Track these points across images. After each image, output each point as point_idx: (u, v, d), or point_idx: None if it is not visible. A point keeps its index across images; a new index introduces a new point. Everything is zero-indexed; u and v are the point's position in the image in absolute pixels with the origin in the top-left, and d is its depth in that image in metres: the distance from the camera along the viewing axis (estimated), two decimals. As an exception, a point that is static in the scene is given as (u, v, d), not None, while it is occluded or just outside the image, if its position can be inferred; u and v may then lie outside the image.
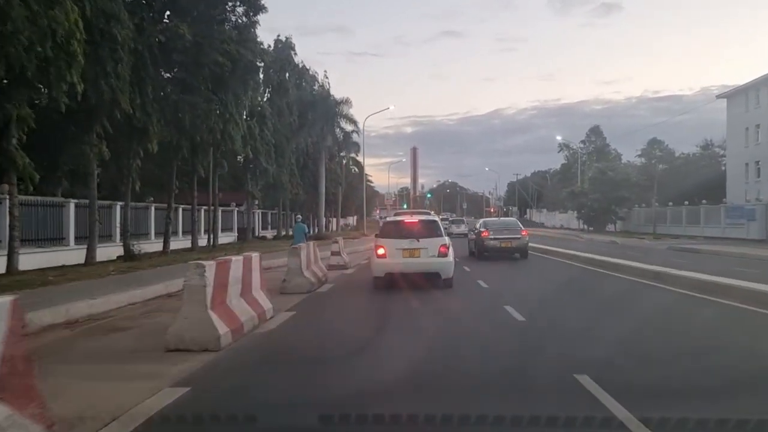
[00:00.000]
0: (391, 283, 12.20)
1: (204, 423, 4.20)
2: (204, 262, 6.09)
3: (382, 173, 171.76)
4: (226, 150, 25.99)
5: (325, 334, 7.75)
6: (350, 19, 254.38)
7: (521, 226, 23.32)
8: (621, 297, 11.27)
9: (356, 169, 63.06)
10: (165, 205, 22.71)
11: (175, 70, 19.68)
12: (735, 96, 48.09)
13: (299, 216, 20.02)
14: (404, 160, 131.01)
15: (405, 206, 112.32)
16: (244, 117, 26.92)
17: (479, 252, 21.79)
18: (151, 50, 18.00)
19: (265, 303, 8.22)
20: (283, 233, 42.89)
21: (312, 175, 44.54)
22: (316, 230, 42.10)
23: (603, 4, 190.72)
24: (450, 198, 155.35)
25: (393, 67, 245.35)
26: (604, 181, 52.63)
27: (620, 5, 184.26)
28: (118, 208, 20.57)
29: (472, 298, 11.50)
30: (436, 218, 13.96)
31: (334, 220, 57.38)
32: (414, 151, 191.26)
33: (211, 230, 27.37)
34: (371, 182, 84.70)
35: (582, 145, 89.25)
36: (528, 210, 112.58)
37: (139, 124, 17.89)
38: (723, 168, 54.61)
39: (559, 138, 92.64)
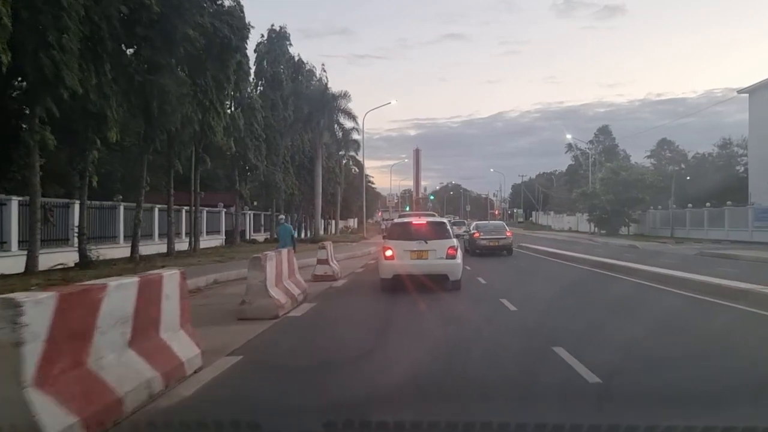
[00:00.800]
0: (393, 293, 11.64)
1: None
2: (27, 298, 3.18)
3: (385, 176, 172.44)
4: (210, 144, 23.26)
5: (277, 407, 4.52)
6: (354, 21, 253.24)
7: (507, 228, 27.19)
8: (718, 328, 8.19)
9: (356, 169, 60.36)
10: (150, 206, 20.09)
11: (140, 46, 16.95)
12: (758, 91, 45.18)
13: (282, 215, 17.32)
14: (407, 160, 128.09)
15: (407, 208, 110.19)
16: (230, 107, 24.21)
17: (472, 250, 24.70)
18: (110, 22, 15.29)
19: (185, 348, 5.22)
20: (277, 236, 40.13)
21: (309, 175, 41.84)
22: (312, 233, 39.35)
23: (606, 6, 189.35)
24: (453, 200, 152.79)
25: (396, 70, 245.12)
26: (617, 181, 49.78)
27: (623, 8, 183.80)
28: (76, 207, 17.84)
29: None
30: (444, 220, 13.75)
31: (334, 222, 54.65)
32: (416, 152, 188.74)
33: (192, 233, 24.64)
34: (372, 183, 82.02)
35: (590, 146, 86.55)
36: (533, 212, 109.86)
37: (95, 108, 15.19)
38: (742, 168, 51.86)
39: (569, 137, 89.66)
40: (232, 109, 29.41)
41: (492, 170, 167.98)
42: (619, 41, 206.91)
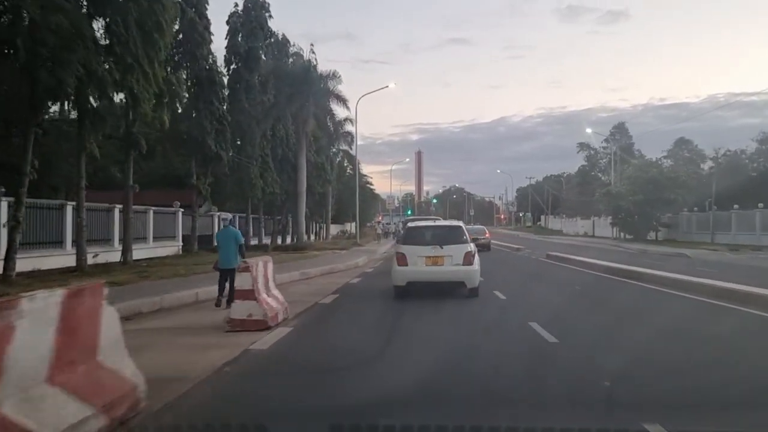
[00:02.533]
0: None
1: None
2: None
3: (387, 180, 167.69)
4: (143, 117, 17.41)
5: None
6: (358, 27, 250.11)
7: (486, 230, 35.62)
8: None
9: (351, 170, 54.49)
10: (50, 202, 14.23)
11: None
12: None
13: (228, 216, 11.64)
14: (408, 159, 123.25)
15: (410, 212, 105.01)
16: (170, 72, 18.38)
17: None
18: None
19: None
20: (255, 242, 34.27)
21: (294, 171, 35.93)
22: (295, 239, 33.40)
23: (609, 12, 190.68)
24: (457, 204, 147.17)
25: (400, 75, 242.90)
26: (646, 179, 43.82)
27: (627, 13, 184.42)
28: None
29: None
30: (461, 223, 12.99)
31: (325, 225, 48.67)
32: (418, 155, 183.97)
33: (129, 239, 18.81)
34: (371, 185, 76.01)
35: (606, 144, 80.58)
36: (542, 216, 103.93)
37: None
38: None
39: (588, 131, 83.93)
40: (191, 85, 23.65)
41: (498, 171, 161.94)
42: (623, 46, 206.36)
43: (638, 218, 44.69)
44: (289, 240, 38.05)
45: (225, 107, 24.73)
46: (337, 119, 42.70)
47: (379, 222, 68.28)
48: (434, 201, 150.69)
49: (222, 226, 12.12)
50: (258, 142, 31.26)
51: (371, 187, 76.11)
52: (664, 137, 74.13)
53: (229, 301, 11.16)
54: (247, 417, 4.39)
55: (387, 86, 35.29)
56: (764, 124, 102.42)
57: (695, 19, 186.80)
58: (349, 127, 40.93)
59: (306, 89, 30.61)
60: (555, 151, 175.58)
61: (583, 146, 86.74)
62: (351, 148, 40.76)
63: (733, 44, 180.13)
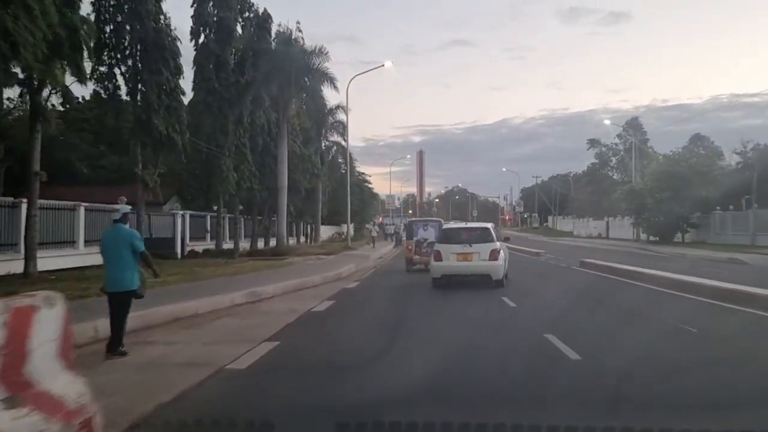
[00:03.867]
0: None
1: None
2: None
3: (389, 182, 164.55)
4: (42, 75, 12.77)
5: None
6: (360, 28, 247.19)
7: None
8: None
9: (344, 166, 49.73)
10: None
11: None
12: None
13: (121, 208, 7.51)
14: (408, 156, 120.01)
15: (410, 213, 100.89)
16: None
17: None
18: None
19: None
20: (244, 244, 29.77)
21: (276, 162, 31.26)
22: (274, 241, 28.71)
23: (611, 13, 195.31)
24: (460, 205, 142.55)
25: (401, 76, 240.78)
26: (673, 174, 39.12)
27: (628, 14, 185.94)
28: None
29: None
30: (489, 225, 14.76)
31: (315, 227, 43.91)
32: (420, 154, 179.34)
33: (32, 244, 14.20)
34: (368, 182, 71.22)
35: (618, 141, 75.97)
36: (549, 217, 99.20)
37: None
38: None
39: (606, 122, 79.34)
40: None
41: (504, 170, 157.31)
42: (624, 47, 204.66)
43: (666, 218, 39.96)
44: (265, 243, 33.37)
45: (179, 80, 20.01)
46: (328, 107, 38.19)
47: (375, 223, 63.58)
48: (435, 200, 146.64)
49: (111, 222, 7.41)
50: (232, 129, 26.59)
51: (369, 185, 71.31)
52: (671, 137, 70.68)
53: (112, 347, 6.76)
54: None
55: (382, 65, 30.68)
56: (767, 125, 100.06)
57: (696, 20, 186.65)
58: (341, 116, 36.27)
59: (287, 66, 25.96)
60: (557, 152, 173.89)
61: (593, 143, 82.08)
62: (344, 139, 35.96)
63: (735, 45, 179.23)
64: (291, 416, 4.34)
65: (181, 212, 25.30)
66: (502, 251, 13.37)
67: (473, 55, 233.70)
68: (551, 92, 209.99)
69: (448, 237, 14.07)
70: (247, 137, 29.14)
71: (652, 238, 42.92)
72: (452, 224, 17.19)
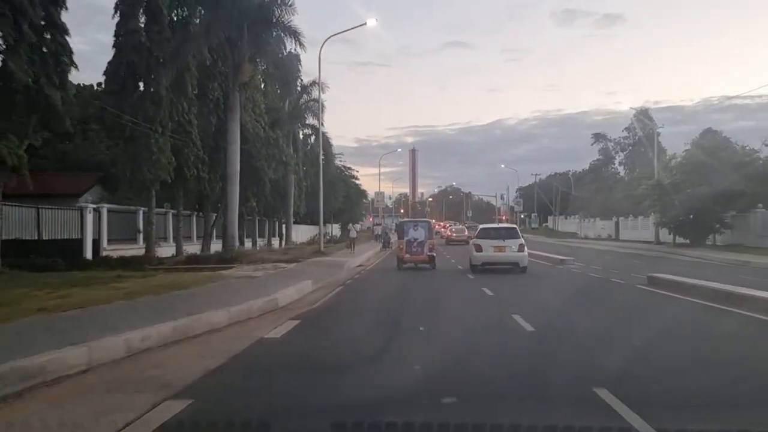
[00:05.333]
0: None
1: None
2: None
3: (384, 184, 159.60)
4: None
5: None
6: (357, 29, 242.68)
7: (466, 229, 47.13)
8: None
9: (341, 164, 43.48)
10: None
11: None
12: None
13: None
14: (399, 150, 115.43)
15: (402, 213, 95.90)
16: None
17: (447, 242, 45.71)
18: None
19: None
20: (195, 248, 23.61)
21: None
22: (225, 245, 22.43)
23: (606, 15, 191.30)
24: (453, 205, 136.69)
25: (397, 78, 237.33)
26: (708, 167, 33.33)
27: (623, 17, 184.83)
28: None
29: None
30: (515, 226, 22.68)
31: (286, 227, 37.58)
32: (413, 152, 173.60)
33: None
34: (356, 178, 64.97)
35: (627, 133, 70.19)
36: (549, 217, 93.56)
37: None
38: None
39: (628, 107, 73.77)
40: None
41: (503, 166, 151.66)
42: (619, 49, 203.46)
43: (698, 217, 34.17)
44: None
45: (60, 12, 13.83)
46: (302, 83, 32.12)
47: (375, 224, 57.54)
48: (428, 199, 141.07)
49: None
50: (167, 98, 20.48)
51: (357, 182, 65.08)
52: (663, 139, 66.23)
53: None
54: None
55: (365, 23, 24.57)
56: (760, 127, 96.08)
57: (689, 23, 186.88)
58: (316, 94, 30.14)
59: (236, 15, 19.84)
60: (552, 153, 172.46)
61: (598, 137, 76.34)
62: (318, 121, 29.57)
63: (728, 47, 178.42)
64: None
65: (94, 206, 19.14)
66: (525, 245, 18.15)
67: (470, 57, 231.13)
68: (546, 94, 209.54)
69: (485, 234, 18.65)
70: (193, 114, 23.07)
71: (679, 239, 37.21)
72: (488, 225, 22.59)
